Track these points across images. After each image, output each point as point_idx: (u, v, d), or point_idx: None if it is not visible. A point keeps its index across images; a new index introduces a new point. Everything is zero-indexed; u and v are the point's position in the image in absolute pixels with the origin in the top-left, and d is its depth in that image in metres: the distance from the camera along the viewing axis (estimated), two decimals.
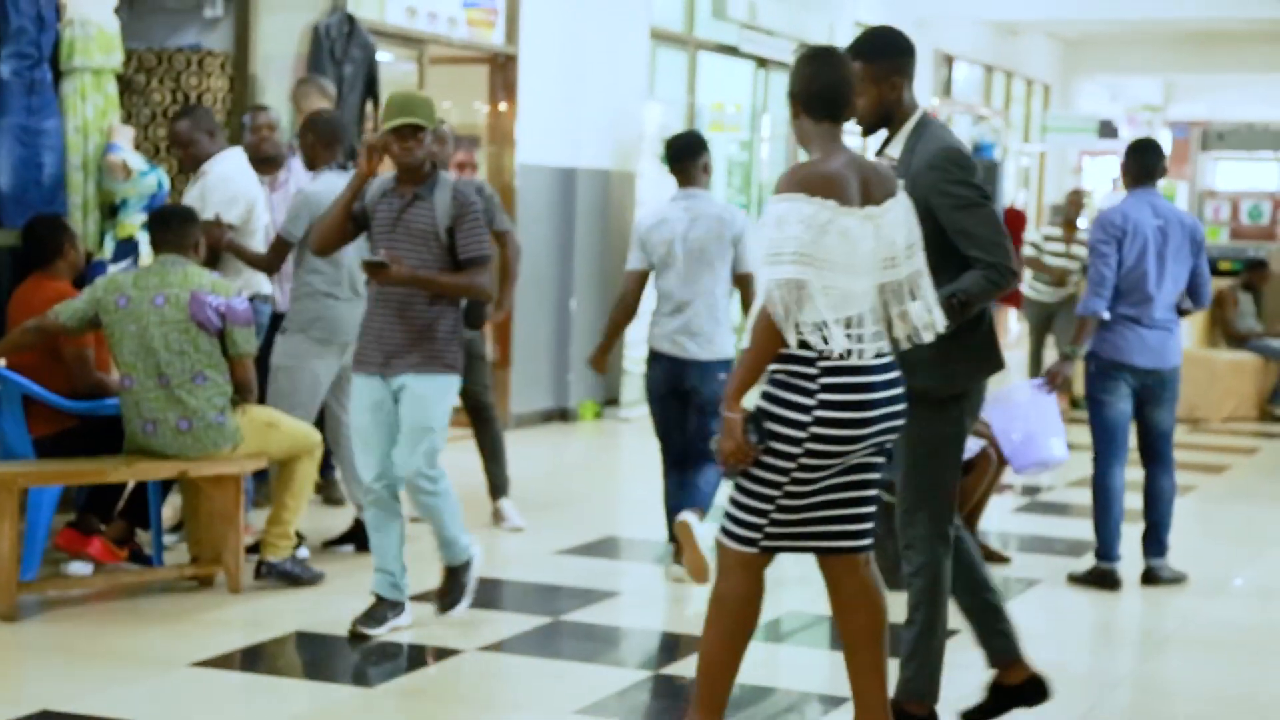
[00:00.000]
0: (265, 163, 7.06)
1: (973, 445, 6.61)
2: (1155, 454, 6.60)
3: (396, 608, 5.41)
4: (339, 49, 8.29)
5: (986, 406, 6.62)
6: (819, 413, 3.84)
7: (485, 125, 10.50)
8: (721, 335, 6.32)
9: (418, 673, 5.13)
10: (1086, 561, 7.09)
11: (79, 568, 5.99)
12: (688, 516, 5.93)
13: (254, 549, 6.11)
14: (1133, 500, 6.81)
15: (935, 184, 4.25)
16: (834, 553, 4.03)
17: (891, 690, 4.25)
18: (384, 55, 8.99)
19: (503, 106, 10.26)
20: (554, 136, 10.44)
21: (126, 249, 6.79)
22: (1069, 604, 6.37)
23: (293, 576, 5.93)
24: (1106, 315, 6.42)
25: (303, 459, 5.94)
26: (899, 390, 3.96)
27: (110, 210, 6.99)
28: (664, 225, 6.29)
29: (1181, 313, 6.57)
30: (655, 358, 6.36)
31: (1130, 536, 6.78)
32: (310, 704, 4.74)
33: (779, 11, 12.90)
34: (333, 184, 6.15)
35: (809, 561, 6.76)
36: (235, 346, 5.78)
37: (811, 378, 3.84)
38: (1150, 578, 6.60)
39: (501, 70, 10.20)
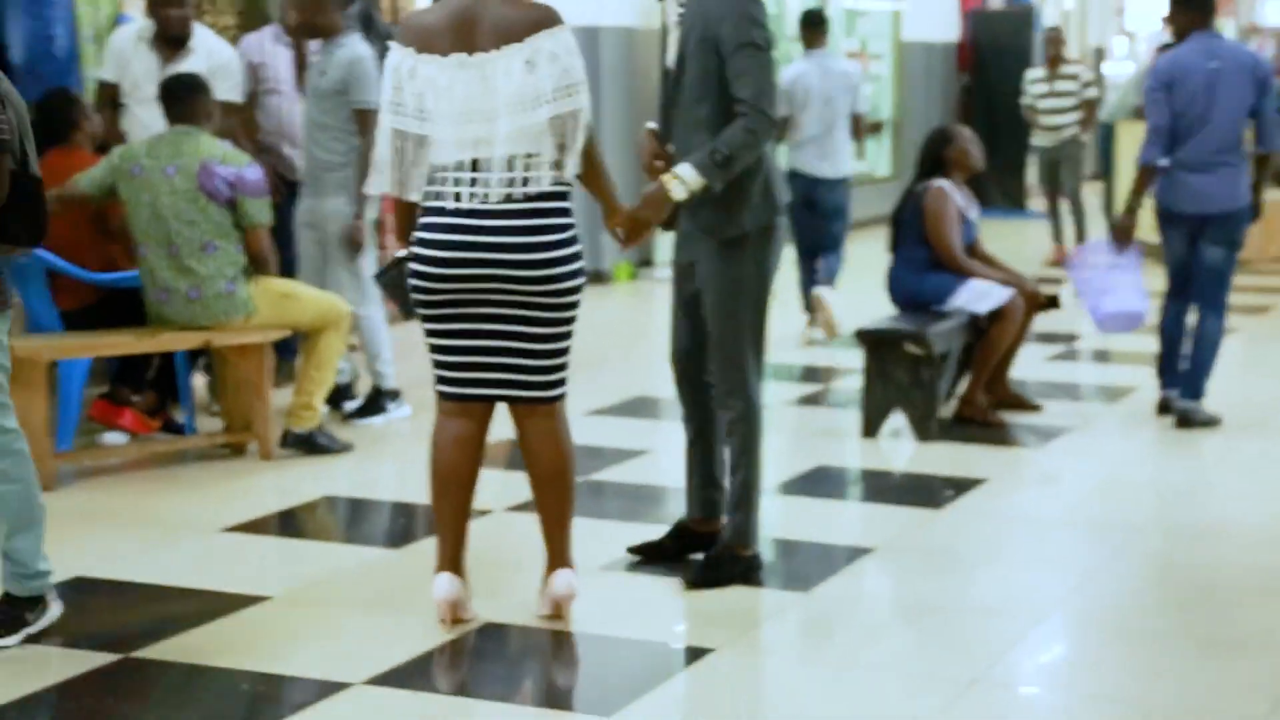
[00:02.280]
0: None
1: (1000, 294, 6.55)
2: (1201, 294, 6.54)
3: (36, 604, 4.06)
4: None
5: (1067, 268, 6.67)
6: (414, 249, 3.99)
7: None
8: (843, 160, 8.57)
9: None
10: (1122, 408, 7.06)
11: (113, 438, 6.05)
12: (820, 289, 8.51)
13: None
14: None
15: (727, 18, 4.26)
16: (509, 400, 4.10)
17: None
18: None
19: None
20: None
21: None
22: (1096, 451, 6.33)
23: (319, 446, 5.96)
24: (1164, 163, 6.37)
25: (328, 331, 5.94)
26: (519, 239, 3.94)
27: None
28: (803, 77, 8.48)
29: (1260, 160, 6.47)
30: (794, 176, 8.38)
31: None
32: (340, 565, 4.79)
33: None
34: (367, 49, 6.17)
35: (838, 417, 6.79)
36: (248, 217, 5.76)
37: (417, 218, 4.00)
38: (1183, 420, 6.56)
39: None
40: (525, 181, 3.93)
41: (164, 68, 6.43)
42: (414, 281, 4.02)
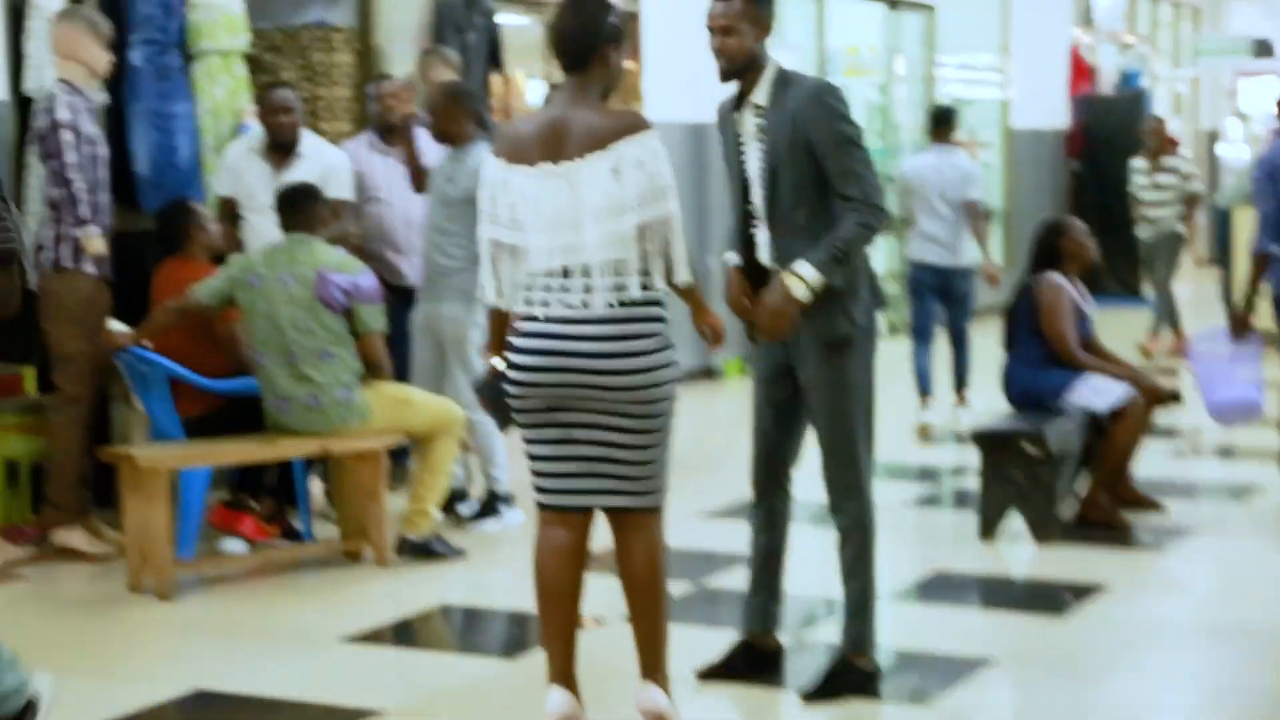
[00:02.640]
0: (391, 132, 7.10)
1: (1119, 390, 6.43)
2: None
3: (24, 715, 3.86)
4: (462, 18, 8.29)
5: (1189, 358, 6.60)
6: (510, 356, 4.00)
7: None
8: (968, 249, 8.77)
9: None
10: (1250, 507, 6.87)
11: (233, 545, 6.11)
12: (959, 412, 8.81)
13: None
14: None
15: (819, 120, 4.26)
16: (604, 508, 4.07)
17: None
18: (510, 20, 8.96)
19: (628, 64, 10.19)
20: (682, 92, 10.33)
21: None
22: (1226, 553, 6.16)
23: (433, 553, 5.97)
24: (1276, 250, 6.30)
25: (442, 437, 5.97)
26: (607, 347, 3.90)
27: None
28: (920, 170, 8.82)
29: None
30: (922, 268, 8.71)
31: None
32: (455, 676, 4.78)
33: None
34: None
35: (954, 519, 6.67)
36: (363, 324, 5.83)
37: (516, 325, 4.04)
38: None
39: (626, 26, 10.12)
40: (614, 289, 3.92)
41: (276, 175, 6.57)
42: (508, 389, 4.03)
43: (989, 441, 6.30)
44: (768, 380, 4.55)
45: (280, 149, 6.65)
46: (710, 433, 9.07)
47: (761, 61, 4.35)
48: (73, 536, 6.06)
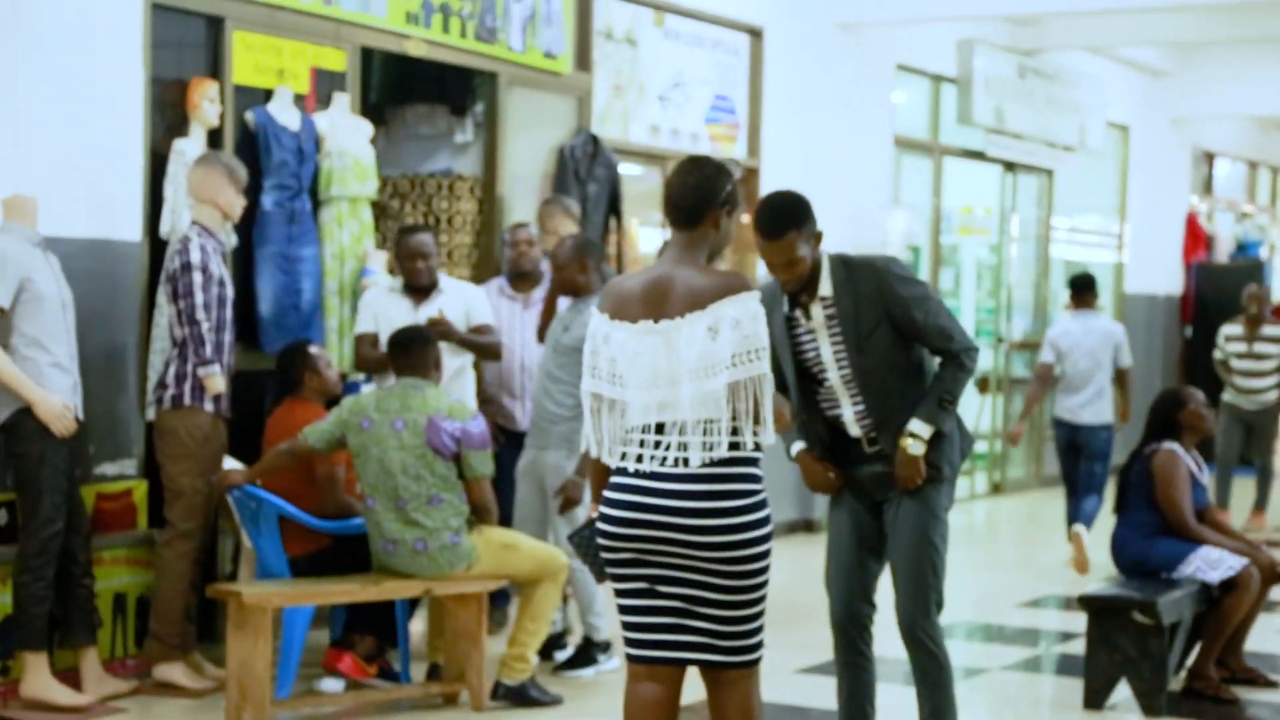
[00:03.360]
0: (522, 278, 7.26)
1: (1233, 562, 6.30)
2: None
3: None
4: (583, 169, 8.48)
5: None
6: (601, 507, 4.02)
7: None
8: (1104, 408, 9.37)
9: None
10: None
11: (330, 684, 6.13)
12: (1079, 527, 9.17)
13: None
14: None
15: (896, 292, 4.56)
16: (696, 664, 4.02)
17: None
18: (629, 170, 9.15)
19: (745, 219, 10.32)
20: None
21: None
22: None
23: (530, 699, 5.96)
24: None
25: (545, 583, 5.98)
26: (695, 505, 3.88)
27: None
28: (1067, 334, 9.48)
29: None
30: (1059, 424, 9.47)
31: None
32: None
33: (1026, 115, 12.73)
34: None
35: (1059, 685, 6.52)
36: (471, 469, 5.89)
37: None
38: None
39: (744, 183, 10.29)
40: (706, 447, 3.91)
41: (417, 309, 6.74)
42: (600, 540, 4.04)
43: (1098, 608, 6.18)
44: (848, 525, 4.75)
45: (418, 290, 6.81)
46: (807, 586, 8.95)
47: (820, 262, 4.58)
48: (174, 671, 6.12)
